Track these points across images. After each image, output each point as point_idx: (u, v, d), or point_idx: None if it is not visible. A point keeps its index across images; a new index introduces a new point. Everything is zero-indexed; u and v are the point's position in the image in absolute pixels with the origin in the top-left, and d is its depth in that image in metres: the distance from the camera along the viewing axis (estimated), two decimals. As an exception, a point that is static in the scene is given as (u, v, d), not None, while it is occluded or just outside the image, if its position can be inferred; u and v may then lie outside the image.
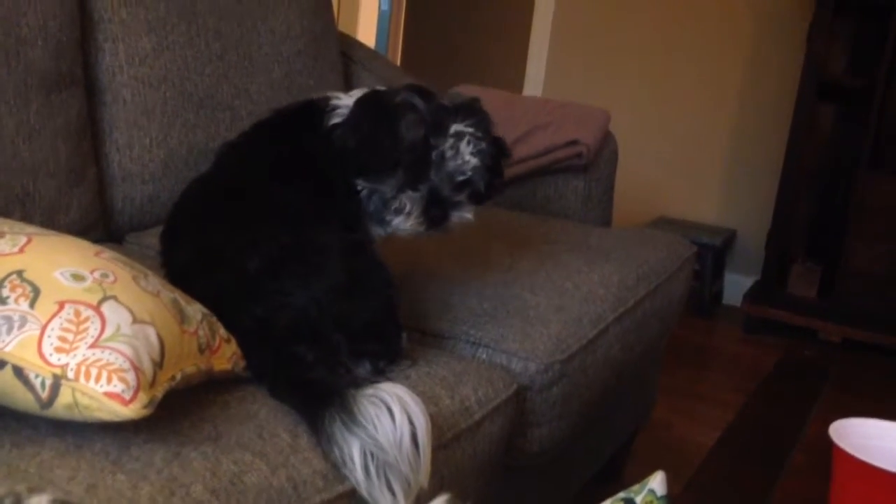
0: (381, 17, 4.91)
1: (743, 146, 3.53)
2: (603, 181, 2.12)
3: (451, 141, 1.20)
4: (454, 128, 1.20)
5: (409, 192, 1.21)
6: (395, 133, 1.19)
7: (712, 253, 3.35)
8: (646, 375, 2.00)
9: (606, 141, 2.14)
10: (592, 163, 2.07)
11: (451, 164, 1.21)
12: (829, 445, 0.99)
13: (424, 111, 1.20)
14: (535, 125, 2.14)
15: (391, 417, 0.92)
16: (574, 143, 2.05)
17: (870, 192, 3.07)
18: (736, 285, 3.49)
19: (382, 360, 1.14)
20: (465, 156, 1.21)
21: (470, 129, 1.21)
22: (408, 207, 1.21)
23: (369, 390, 0.94)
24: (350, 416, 0.92)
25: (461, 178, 1.22)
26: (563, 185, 2.10)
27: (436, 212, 1.22)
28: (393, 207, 1.22)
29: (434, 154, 1.20)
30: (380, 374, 1.13)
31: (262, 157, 1.29)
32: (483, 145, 1.23)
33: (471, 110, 1.24)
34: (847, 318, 3.12)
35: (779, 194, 3.24)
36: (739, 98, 3.51)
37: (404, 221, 1.22)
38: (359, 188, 1.22)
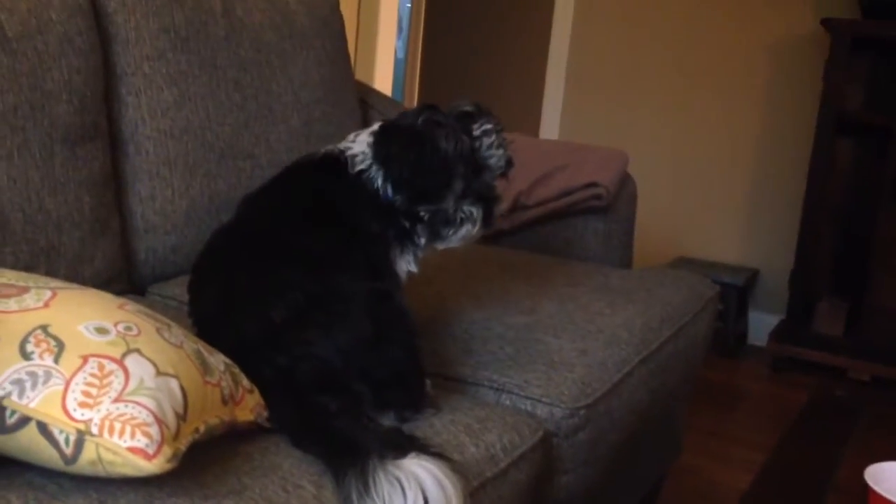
0: (398, 64, 4.97)
1: (762, 183, 3.51)
2: (623, 222, 2.11)
3: (484, 141, 1.26)
4: (482, 128, 1.26)
5: (467, 200, 1.26)
6: (438, 150, 1.22)
7: (735, 292, 3.32)
8: (672, 418, 1.97)
9: (625, 182, 2.14)
10: (612, 204, 2.07)
11: (492, 163, 1.27)
12: (863, 487, 0.97)
13: (451, 123, 1.25)
14: (554, 167, 2.14)
15: (404, 499, 0.90)
16: (593, 185, 2.05)
17: (892, 225, 3.03)
18: (761, 324, 3.46)
19: (407, 409, 1.13)
20: (498, 152, 1.27)
21: (491, 126, 1.27)
22: (473, 214, 1.26)
23: (390, 465, 0.92)
24: (365, 488, 0.90)
25: (499, 171, 1.29)
26: (582, 227, 2.09)
27: (488, 210, 1.28)
28: (458, 219, 1.26)
29: (477, 157, 1.26)
30: (404, 423, 1.12)
31: (285, 206, 1.29)
32: (503, 139, 1.29)
33: (483, 110, 1.30)
34: (876, 355, 3.06)
35: (801, 231, 3.21)
36: (757, 136, 3.51)
37: (471, 229, 1.27)
38: (421, 214, 1.26)
